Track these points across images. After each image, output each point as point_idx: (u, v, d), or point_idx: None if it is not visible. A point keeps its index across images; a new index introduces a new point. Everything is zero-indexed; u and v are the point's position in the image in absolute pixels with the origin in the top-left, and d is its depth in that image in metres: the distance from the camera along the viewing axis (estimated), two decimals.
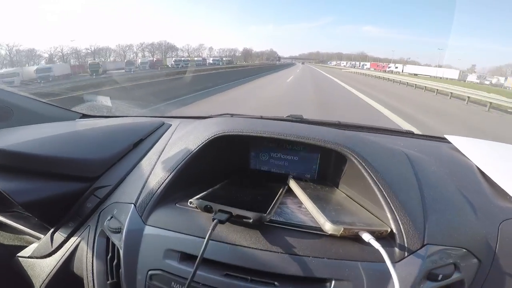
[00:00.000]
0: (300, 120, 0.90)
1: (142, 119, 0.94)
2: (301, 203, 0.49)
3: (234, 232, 0.39)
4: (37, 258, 0.54)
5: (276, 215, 0.44)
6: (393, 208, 0.41)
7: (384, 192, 0.43)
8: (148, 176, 0.50)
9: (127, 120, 0.93)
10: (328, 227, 0.38)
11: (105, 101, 1.11)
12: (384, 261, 0.35)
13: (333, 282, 0.36)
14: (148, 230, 0.42)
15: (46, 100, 0.98)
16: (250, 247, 0.38)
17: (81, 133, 0.69)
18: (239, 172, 0.58)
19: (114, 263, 0.43)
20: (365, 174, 0.45)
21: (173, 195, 0.47)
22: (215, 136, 0.51)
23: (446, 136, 0.79)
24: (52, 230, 0.54)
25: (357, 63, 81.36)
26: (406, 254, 0.37)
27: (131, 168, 0.58)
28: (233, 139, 0.57)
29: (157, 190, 0.46)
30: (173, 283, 0.37)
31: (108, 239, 0.46)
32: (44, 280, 0.51)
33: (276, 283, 0.36)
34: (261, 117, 0.89)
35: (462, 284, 0.39)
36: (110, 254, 0.45)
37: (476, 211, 0.47)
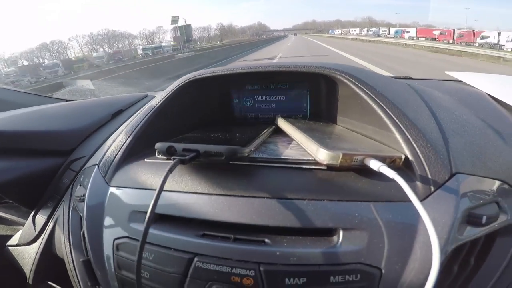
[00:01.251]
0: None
1: (127, 95, 0.88)
2: (292, 140, 0.40)
3: (207, 179, 0.31)
4: (24, 245, 0.50)
5: (259, 153, 0.35)
6: (403, 128, 0.31)
7: (388, 110, 0.33)
8: (116, 137, 0.43)
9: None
10: (323, 155, 0.28)
11: (87, 84, 1.04)
12: (405, 200, 0.25)
13: (340, 232, 0.26)
14: (112, 191, 0.34)
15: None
16: (228, 195, 0.29)
17: (55, 108, 0.63)
18: (221, 122, 0.52)
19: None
20: (362, 94, 0.36)
21: (143, 151, 0.40)
22: (186, 81, 0.43)
23: (447, 72, 0.72)
24: (32, 213, 0.50)
25: (384, 29, 47.48)
26: (432, 188, 0.27)
27: (107, 136, 0.52)
28: (211, 86, 0.50)
29: (122, 145, 0.38)
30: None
31: None
32: (32, 267, 0.47)
33: (266, 240, 0.27)
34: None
35: (510, 232, 0.28)
36: (82, 229, 0.38)
37: (503, 137, 0.37)
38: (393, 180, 0.26)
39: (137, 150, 0.39)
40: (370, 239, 0.25)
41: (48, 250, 0.45)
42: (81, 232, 0.38)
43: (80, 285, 0.37)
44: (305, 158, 0.33)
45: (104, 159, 0.38)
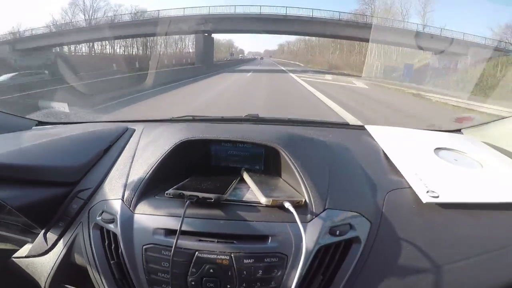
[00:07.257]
0: (256, 118, 1.07)
1: (104, 125, 1.01)
2: (249, 187, 0.65)
3: (203, 210, 0.54)
4: (34, 256, 0.62)
5: (232, 196, 0.60)
6: (306, 184, 0.57)
7: (301, 174, 0.60)
8: (128, 176, 0.63)
9: (89, 127, 1.00)
10: (263, 200, 0.55)
11: (62, 107, 1.12)
12: (296, 221, 0.50)
13: (269, 238, 0.50)
14: (137, 216, 0.54)
15: None
16: (214, 219, 0.53)
17: (53, 142, 0.76)
18: (202, 168, 0.73)
19: (113, 247, 0.55)
20: (289, 162, 0.62)
21: (152, 190, 0.60)
22: (181, 141, 0.65)
23: (366, 126, 0.97)
24: (43, 231, 0.63)
25: None
26: (313, 216, 0.52)
27: (107, 171, 0.69)
28: (197, 142, 0.72)
29: (139, 186, 0.58)
30: (162, 251, 0.50)
31: (101, 229, 0.57)
32: (49, 274, 0.60)
33: (234, 241, 0.50)
34: (222, 118, 1.05)
35: (358, 241, 0.53)
36: (107, 241, 0.56)
37: (370, 183, 0.63)
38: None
39: (148, 189, 0.60)
40: (282, 240, 0.50)
41: (67, 260, 0.60)
42: (106, 244, 0.56)
43: (103, 282, 0.54)
44: (255, 200, 0.59)
45: (126, 195, 0.58)
